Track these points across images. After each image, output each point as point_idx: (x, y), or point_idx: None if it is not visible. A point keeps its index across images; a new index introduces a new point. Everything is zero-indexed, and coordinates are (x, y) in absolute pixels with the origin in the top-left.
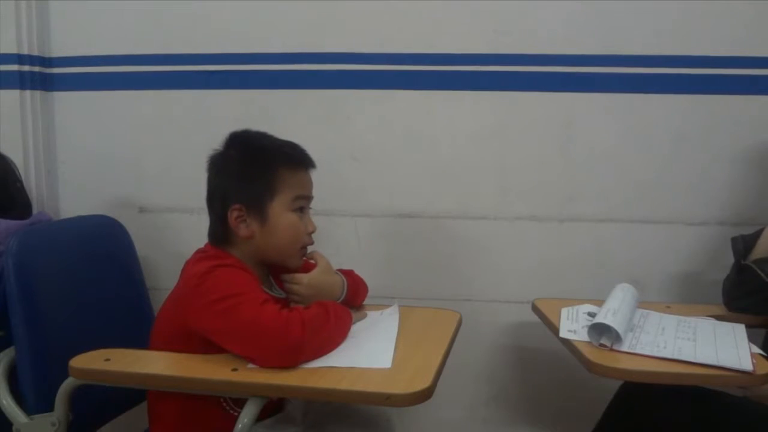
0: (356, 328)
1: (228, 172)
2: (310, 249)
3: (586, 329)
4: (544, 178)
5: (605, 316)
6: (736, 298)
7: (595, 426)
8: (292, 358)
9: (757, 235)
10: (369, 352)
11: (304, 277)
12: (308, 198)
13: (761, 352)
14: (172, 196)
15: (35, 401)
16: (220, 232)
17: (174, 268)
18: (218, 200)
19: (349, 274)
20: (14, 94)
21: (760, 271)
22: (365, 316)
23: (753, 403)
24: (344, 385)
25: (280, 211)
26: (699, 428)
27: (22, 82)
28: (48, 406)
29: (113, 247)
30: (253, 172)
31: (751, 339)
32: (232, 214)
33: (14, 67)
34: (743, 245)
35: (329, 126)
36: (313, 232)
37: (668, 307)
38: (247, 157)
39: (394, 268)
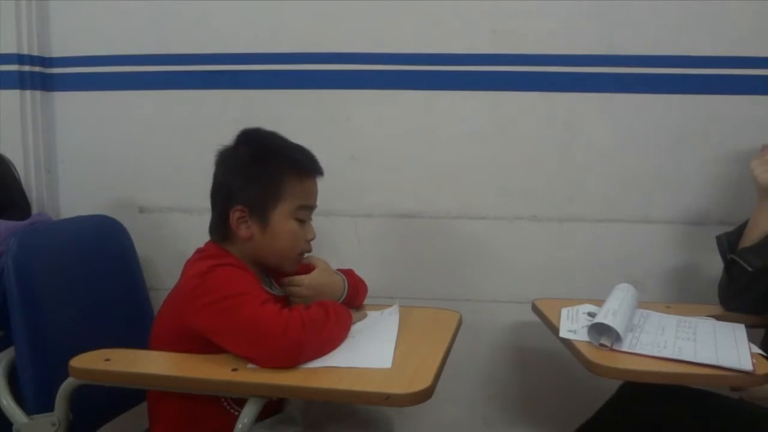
0: (356, 328)
1: (235, 170)
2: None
3: (586, 329)
4: (544, 178)
5: (605, 316)
6: (729, 297)
7: (587, 420)
8: (292, 359)
9: (740, 229)
10: (369, 352)
11: (304, 279)
12: (312, 208)
13: (761, 352)
14: (172, 196)
15: (35, 401)
16: (221, 229)
17: (174, 268)
18: (222, 197)
19: (348, 274)
20: (14, 94)
21: (742, 261)
22: (365, 316)
23: (748, 404)
24: (344, 385)
25: (282, 218)
26: (694, 429)
27: (22, 82)
28: (48, 406)
29: (113, 247)
30: (260, 175)
31: (751, 339)
32: (234, 215)
33: (14, 67)
34: (727, 242)
35: (329, 126)
36: (312, 239)
37: (668, 307)
38: (256, 157)
39: (394, 268)
